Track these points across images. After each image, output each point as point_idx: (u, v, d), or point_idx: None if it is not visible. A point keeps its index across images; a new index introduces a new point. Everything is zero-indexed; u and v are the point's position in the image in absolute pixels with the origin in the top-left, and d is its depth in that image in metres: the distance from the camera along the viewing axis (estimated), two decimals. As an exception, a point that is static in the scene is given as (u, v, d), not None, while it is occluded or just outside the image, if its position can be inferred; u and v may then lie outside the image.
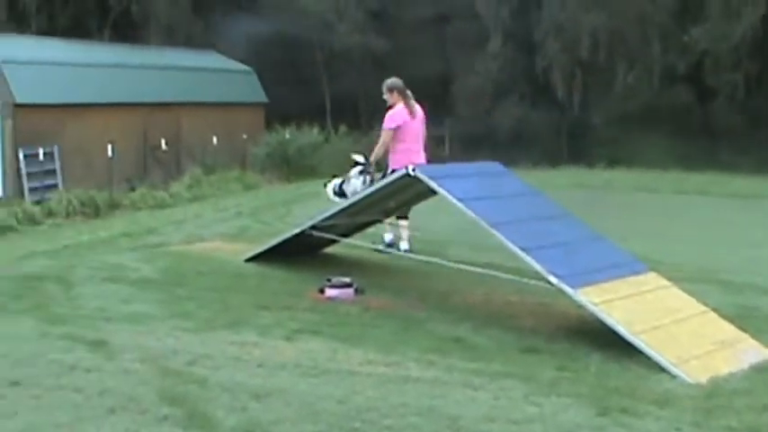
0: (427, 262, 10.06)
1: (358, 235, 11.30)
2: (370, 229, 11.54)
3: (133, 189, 26.54)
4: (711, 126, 32.41)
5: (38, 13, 35.91)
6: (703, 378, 6.71)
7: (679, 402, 6.14)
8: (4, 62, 25.42)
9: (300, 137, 31.06)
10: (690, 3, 31.09)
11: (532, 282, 8.24)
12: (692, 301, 8.25)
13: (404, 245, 11.55)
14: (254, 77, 34.50)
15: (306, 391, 6.17)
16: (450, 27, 36.47)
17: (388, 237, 11.79)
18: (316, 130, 31.99)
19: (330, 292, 9.14)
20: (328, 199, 11.40)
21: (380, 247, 11.39)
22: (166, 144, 29.40)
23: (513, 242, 7.95)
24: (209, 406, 5.84)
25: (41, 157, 25.53)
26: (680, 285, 8.60)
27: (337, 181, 11.48)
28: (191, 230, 13.74)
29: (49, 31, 34.15)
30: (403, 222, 11.56)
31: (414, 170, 8.71)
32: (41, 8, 36.05)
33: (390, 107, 11.49)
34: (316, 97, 37.26)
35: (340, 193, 11.34)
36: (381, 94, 11.59)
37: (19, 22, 34.84)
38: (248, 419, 5.63)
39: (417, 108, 11.57)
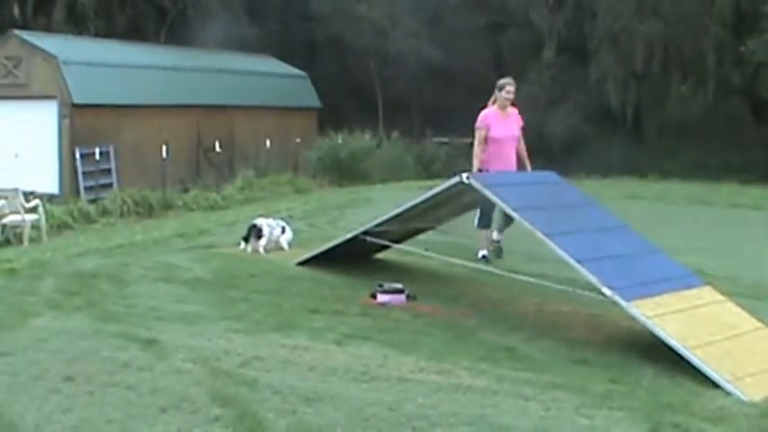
0: (479, 270, 10.02)
1: (410, 241, 11.29)
2: (421, 236, 11.53)
3: (186, 190, 26.77)
4: (766, 139, 32.01)
5: (96, 16, 36.35)
6: (758, 396, 6.61)
7: (734, 420, 6.05)
8: (63, 63, 25.76)
9: (353, 142, 31.14)
10: (746, 14, 30.74)
11: (585, 293, 8.18)
12: (747, 316, 8.14)
13: (482, 252, 11.56)
14: (308, 82, 34.66)
15: (356, 396, 6.18)
16: (504, 35, 36.39)
17: (481, 252, 11.63)
18: (368, 136, 32.05)
19: (382, 297, 9.13)
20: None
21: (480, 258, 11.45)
22: (220, 146, 29.60)
23: (568, 253, 7.89)
24: (259, 408, 5.87)
25: (97, 156, 25.86)
26: (734, 300, 8.49)
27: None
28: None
29: (107, 33, 34.57)
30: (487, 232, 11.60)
31: (468, 178, 8.69)
32: (99, 11, 36.49)
33: (496, 107, 11.48)
34: (369, 103, 37.38)
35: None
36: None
37: (77, 25, 35.27)
38: (298, 423, 5.65)
39: None
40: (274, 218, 12.59)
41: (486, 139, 11.33)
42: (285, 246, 11.81)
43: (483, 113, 11.45)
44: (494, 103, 11.49)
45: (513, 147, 11.53)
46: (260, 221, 11.92)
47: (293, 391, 6.19)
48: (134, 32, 35.98)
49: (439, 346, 7.60)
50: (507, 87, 11.43)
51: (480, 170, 11.11)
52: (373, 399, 6.12)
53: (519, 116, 11.66)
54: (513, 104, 11.60)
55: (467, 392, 6.35)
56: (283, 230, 11.96)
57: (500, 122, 11.42)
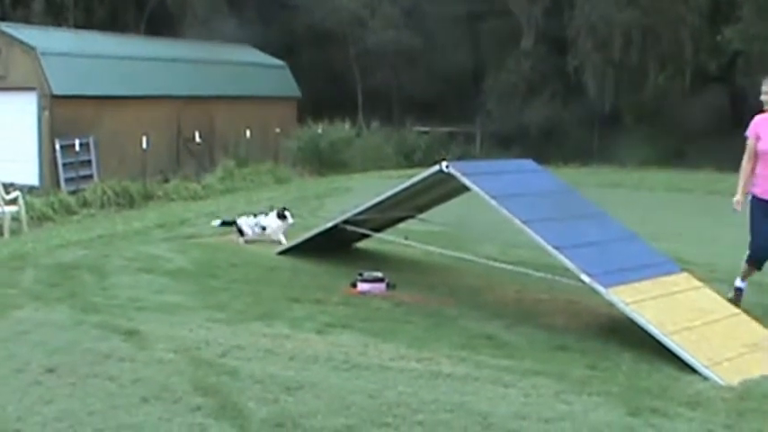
0: (459, 259, 10.07)
1: (390, 230, 11.31)
2: (401, 225, 11.55)
3: (167, 180, 26.75)
4: (742, 126, 32.14)
5: (75, 7, 36.21)
6: (735, 380, 6.68)
7: (711, 404, 6.12)
8: (42, 54, 25.65)
9: (332, 131, 31.17)
10: (721, 3, 30.89)
11: (564, 280, 8.23)
12: (724, 302, 8.23)
13: (739, 282, 9.25)
14: (288, 72, 34.63)
15: (337, 384, 6.22)
16: (483, 24, 36.42)
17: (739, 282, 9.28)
18: (348, 125, 32.07)
19: (362, 286, 9.18)
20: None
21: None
22: (200, 136, 29.57)
23: (546, 240, 7.94)
24: (240, 397, 5.90)
25: (77, 147, 25.78)
26: (712, 286, 8.58)
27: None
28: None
29: (86, 24, 34.43)
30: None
31: (447, 167, 8.72)
32: (78, 2, 36.35)
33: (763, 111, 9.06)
34: (348, 92, 37.35)
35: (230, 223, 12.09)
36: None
37: (56, 16, 35.12)
38: (279, 411, 5.69)
39: None
40: (256, 214, 12.29)
41: (753, 152, 9.10)
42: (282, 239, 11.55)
43: (754, 119, 9.23)
44: None
45: None
46: (241, 221, 11.89)
47: (274, 380, 6.23)
48: (113, 23, 35.86)
49: (419, 334, 7.65)
50: (763, 87, 8.96)
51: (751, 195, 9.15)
52: (354, 387, 6.17)
53: None
54: None
55: (447, 380, 6.40)
56: (263, 229, 11.73)
57: None
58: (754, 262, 9.12)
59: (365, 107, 36.96)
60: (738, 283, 9.18)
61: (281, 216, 11.65)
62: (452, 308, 8.68)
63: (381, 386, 6.18)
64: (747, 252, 9.14)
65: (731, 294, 8.97)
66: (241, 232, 11.74)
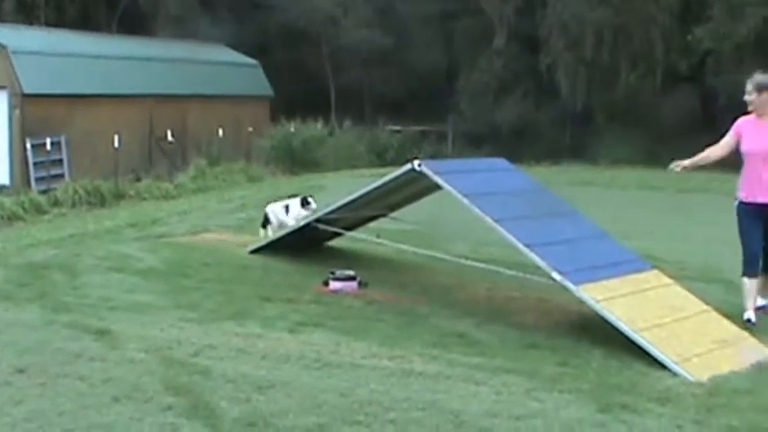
0: (430, 257, 10.08)
1: (362, 228, 11.30)
2: (373, 223, 11.55)
3: (138, 179, 26.66)
4: (713, 125, 32.38)
5: (46, 5, 36.02)
6: (705, 376, 6.73)
7: (680, 400, 6.17)
8: (13, 53, 25.52)
9: (305, 130, 31.20)
10: (692, 3, 31.12)
11: (535, 278, 8.25)
12: (694, 299, 8.26)
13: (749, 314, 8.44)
14: (260, 71, 34.60)
15: (309, 383, 6.21)
16: (456, 23, 36.51)
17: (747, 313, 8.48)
18: (320, 124, 32.09)
19: (334, 284, 9.18)
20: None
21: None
22: (172, 135, 29.49)
23: (517, 238, 7.97)
24: (212, 396, 5.89)
25: (48, 146, 25.65)
26: (682, 283, 8.61)
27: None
28: (195, 221, 13.78)
29: (58, 23, 34.29)
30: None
31: (419, 165, 8.73)
32: (49, 0, 36.15)
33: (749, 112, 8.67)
34: (321, 91, 37.36)
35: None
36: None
37: (27, 14, 34.93)
38: (251, 410, 5.68)
39: None
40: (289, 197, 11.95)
41: (727, 146, 8.80)
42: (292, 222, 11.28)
43: (738, 120, 8.85)
44: None
45: None
46: (269, 208, 11.52)
47: (246, 380, 6.22)
48: (85, 22, 35.70)
49: (391, 333, 7.66)
50: (747, 87, 8.63)
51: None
52: (326, 385, 6.16)
53: None
54: None
55: (419, 378, 6.41)
56: (287, 209, 11.35)
57: (754, 132, 8.60)
58: (752, 272, 8.50)
59: (338, 106, 36.98)
60: (750, 313, 8.44)
61: (305, 203, 11.40)
62: (424, 306, 8.69)
63: (353, 384, 6.18)
64: (742, 265, 8.57)
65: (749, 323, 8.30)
66: (267, 221, 11.40)
